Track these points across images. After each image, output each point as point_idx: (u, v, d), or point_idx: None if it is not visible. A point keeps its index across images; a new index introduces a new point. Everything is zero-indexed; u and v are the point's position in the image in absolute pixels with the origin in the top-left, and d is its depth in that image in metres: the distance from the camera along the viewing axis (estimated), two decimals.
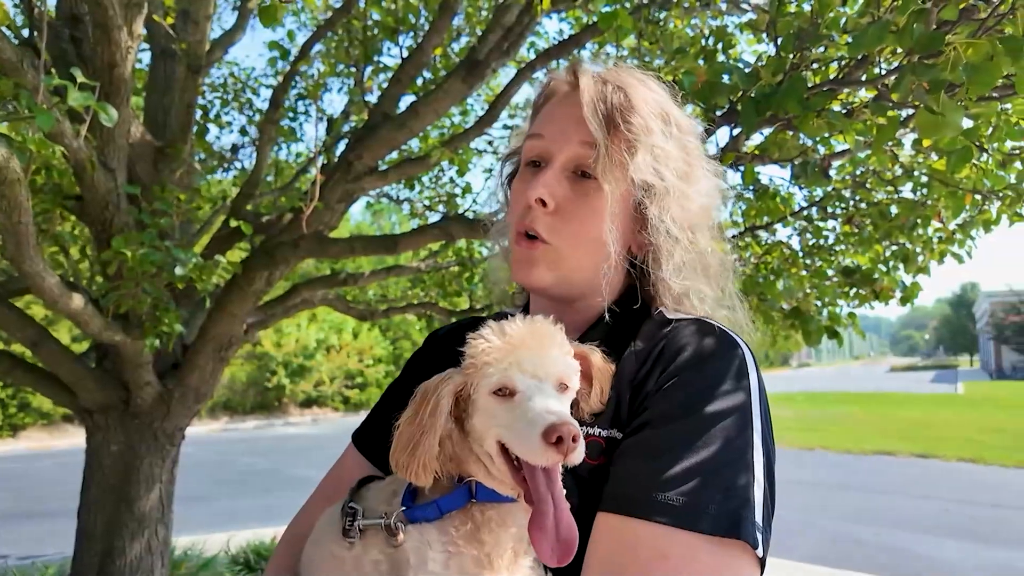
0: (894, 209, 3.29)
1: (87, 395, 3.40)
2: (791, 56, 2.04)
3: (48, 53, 3.02)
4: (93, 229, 3.12)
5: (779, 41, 2.09)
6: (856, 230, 3.55)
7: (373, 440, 1.04)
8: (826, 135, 2.22)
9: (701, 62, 2.56)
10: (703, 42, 3.12)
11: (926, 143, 2.38)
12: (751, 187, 3.40)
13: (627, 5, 3.28)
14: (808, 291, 3.69)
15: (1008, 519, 8.21)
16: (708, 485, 0.73)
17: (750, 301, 3.46)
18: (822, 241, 3.86)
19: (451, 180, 5.92)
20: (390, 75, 4.53)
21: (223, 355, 3.62)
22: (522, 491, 0.74)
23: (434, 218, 5.74)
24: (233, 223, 3.74)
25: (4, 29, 2.32)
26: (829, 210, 3.68)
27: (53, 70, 2.80)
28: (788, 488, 9.51)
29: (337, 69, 5.39)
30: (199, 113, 5.05)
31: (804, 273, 3.75)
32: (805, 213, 3.72)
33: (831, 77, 2.20)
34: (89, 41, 2.95)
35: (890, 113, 1.92)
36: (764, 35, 2.85)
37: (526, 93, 4.04)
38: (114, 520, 3.50)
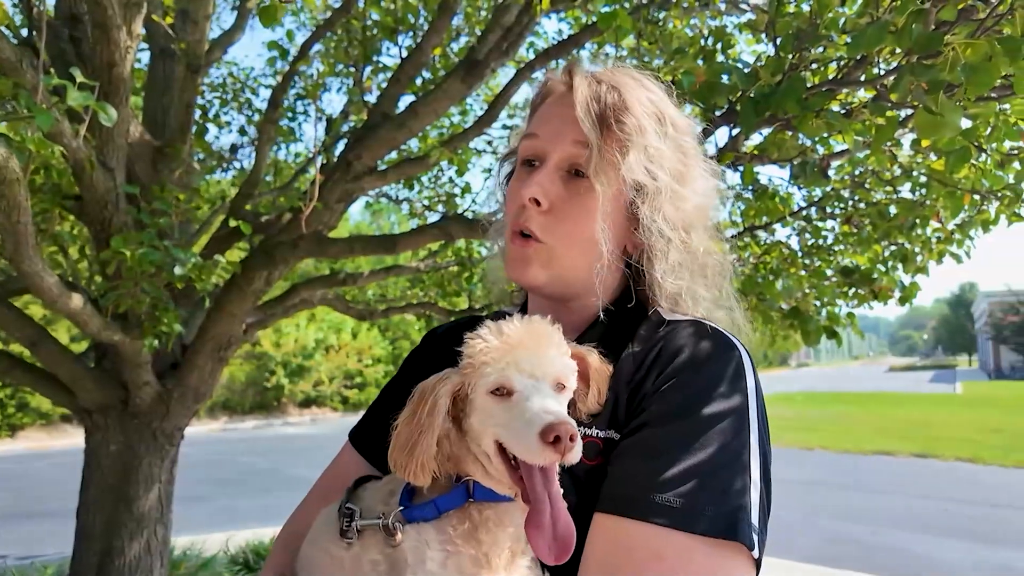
0: (893, 209, 3.29)
1: (86, 395, 3.40)
2: (790, 56, 2.04)
3: (47, 53, 3.02)
4: (92, 229, 3.12)
5: (778, 41, 2.09)
6: (855, 230, 3.56)
7: (370, 439, 1.04)
8: (825, 135, 2.22)
9: (700, 62, 2.56)
10: (702, 42, 3.12)
11: (925, 143, 2.38)
12: (750, 187, 3.41)
13: (626, 5, 3.28)
14: (807, 291, 3.69)
15: (1006, 519, 8.21)
16: (705, 487, 0.74)
17: (749, 301, 3.47)
18: (821, 241, 3.86)
19: (450, 180, 5.92)
20: (389, 75, 4.53)
21: (222, 355, 3.62)
22: (519, 490, 0.74)
23: (433, 218, 5.74)
24: (232, 223, 3.74)
25: (3, 29, 2.32)
26: (828, 210, 3.69)
27: (52, 70, 2.80)
28: (787, 488, 9.58)
29: (336, 69, 5.39)
30: (198, 113, 5.05)
31: (803, 273, 3.76)
32: (804, 213, 3.72)
33: (830, 77, 2.21)
34: (88, 41, 2.95)
35: (889, 113, 1.92)
36: (763, 35, 2.86)
37: (525, 93, 4.04)
38: (113, 520, 3.50)
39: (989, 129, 2.09)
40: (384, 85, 4.03)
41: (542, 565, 0.80)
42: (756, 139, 2.52)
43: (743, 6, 3.44)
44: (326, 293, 4.88)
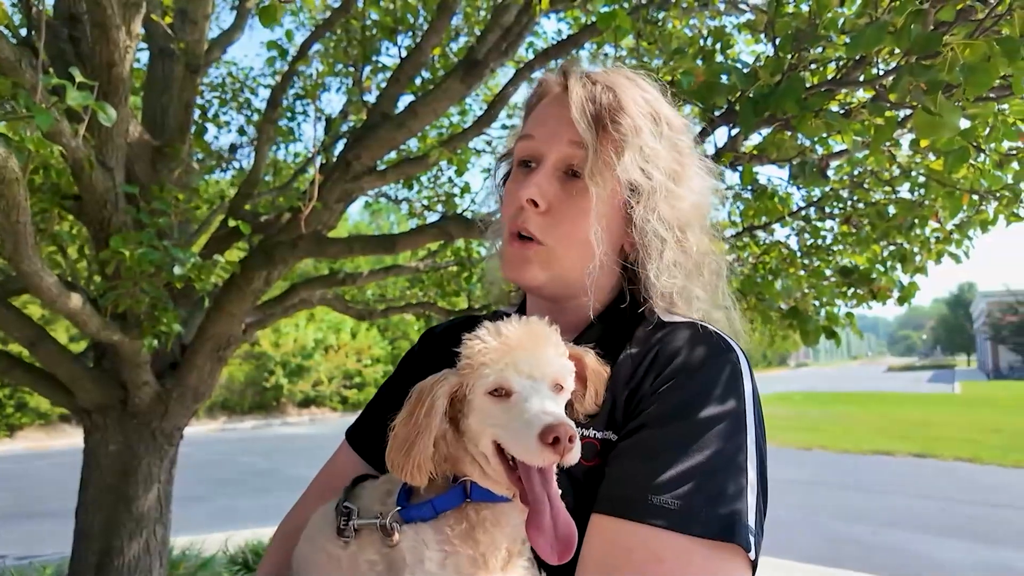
0: (892, 209, 3.30)
1: (85, 395, 3.40)
2: (789, 56, 2.04)
3: (46, 52, 3.01)
4: (91, 228, 3.12)
5: (777, 41, 2.09)
6: (854, 230, 3.56)
7: (367, 438, 1.04)
8: (824, 135, 2.23)
9: (699, 62, 2.56)
10: (701, 42, 3.12)
11: (924, 143, 2.38)
12: (749, 187, 3.41)
13: (625, 5, 3.28)
14: (806, 291, 3.70)
15: (1005, 518, 8.22)
16: (702, 489, 0.74)
17: (748, 301, 3.47)
18: (820, 241, 3.86)
19: (449, 180, 5.92)
20: (388, 75, 4.53)
21: (221, 355, 3.61)
22: (517, 491, 0.74)
23: (432, 218, 5.74)
24: (231, 223, 3.74)
25: (2, 28, 2.32)
26: (827, 210, 3.69)
27: (51, 69, 2.80)
28: (786, 487, 9.59)
29: (336, 69, 5.39)
30: (197, 113, 5.05)
31: (802, 273, 3.76)
32: (803, 213, 3.72)
33: (829, 77, 2.21)
34: (87, 40, 2.94)
35: (888, 113, 1.92)
36: (762, 35, 2.86)
37: (525, 93, 4.03)
38: (112, 520, 3.49)
39: (988, 129, 2.10)
40: (383, 85, 4.03)
41: (539, 565, 0.80)
42: (755, 139, 2.52)
43: (742, 6, 3.44)
44: (325, 293, 4.88)
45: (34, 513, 8.59)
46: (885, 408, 23.62)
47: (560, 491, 0.74)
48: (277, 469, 11.94)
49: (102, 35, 2.50)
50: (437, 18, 3.37)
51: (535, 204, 0.90)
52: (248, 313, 3.74)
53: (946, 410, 22.11)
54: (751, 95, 2.02)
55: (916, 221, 3.28)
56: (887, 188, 3.37)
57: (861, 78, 2.02)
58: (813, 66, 2.31)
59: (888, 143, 2.46)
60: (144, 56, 4.23)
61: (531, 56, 4.48)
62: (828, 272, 3.75)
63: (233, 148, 5.89)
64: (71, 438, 15.59)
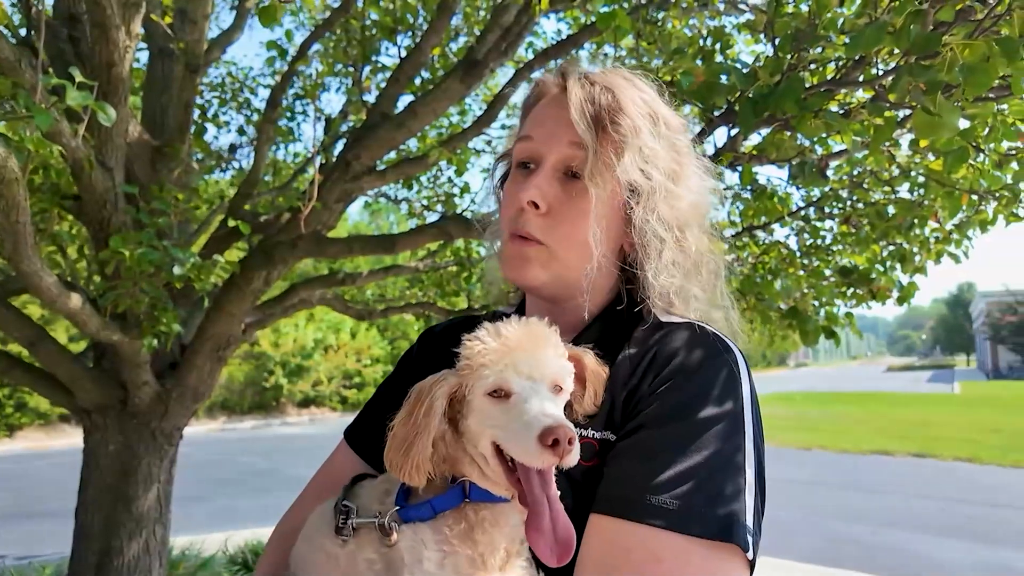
0: (891, 209, 3.30)
1: (85, 395, 3.40)
2: (789, 57, 2.04)
3: (46, 52, 3.01)
4: (91, 228, 3.12)
5: (777, 42, 2.09)
6: (853, 230, 3.56)
7: (365, 437, 1.04)
8: (823, 135, 2.23)
9: (699, 62, 2.56)
10: (701, 42, 3.12)
11: (923, 143, 2.39)
12: (749, 187, 3.41)
13: (625, 5, 3.28)
14: (805, 291, 3.70)
15: (1005, 518, 8.22)
16: (701, 489, 0.74)
17: (748, 301, 3.47)
18: (819, 241, 3.86)
19: (449, 180, 5.92)
20: (388, 75, 4.53)
21: (221, 355, 3.61)
22: (516, 492, 0.74)
23: (432, 218, 5.74)
24: (231, 223, 3.74)
25: (2, 28, 2.32)
26: (826, 210, 3.69)
27: (51, 69, 2.80)
28: (785, 487, 9.59)
29: (335, 69, 5.39)
30: (197, 112, 5.04)
31: (801, 273, 3.76)
32: (803, 213, 3.72)
33: (828, 78, 2.21)
34: (87, 40, 2.94)
35: (887, 114, 1.92)
36: (762, 36, 2.86)
37: (524, 93, 4.03)
38: (112, 520, 3.49)
39: (987, 129, 2.10)
40: (383, 85, 4.03)
41: (537, 565, 0.80)
42: (755, 139, 2.52)
43: (742, 6, 3.44)
44: (325, 293, 4.88)
45: (34, 513, 8.59)
46: (884, 408, 23.62)
47: (559, 491, 0.74)
48: (277, 469, 11.94)
49: (102, 35, 2.50)
50: (437, 18, 3.37)
51: (536, 206, 0.90)
52: (248, 313, 3.74)
53: (945, 410, 22.11)
54: (750, 95, 2.02)
55: (915, 221, 3.28)
56: (886, 188, 3.37)
57: (860, 78, 2.02)
58: (812, 66, 2.31)
59: (887, 143, 2.47)
60: (144, 56, 4.23)
61: (531, 56, 4.48)
62: (827, 272, 3.75)
63: (233, 148, 5.89)
64: (71, 438, 15.59)
